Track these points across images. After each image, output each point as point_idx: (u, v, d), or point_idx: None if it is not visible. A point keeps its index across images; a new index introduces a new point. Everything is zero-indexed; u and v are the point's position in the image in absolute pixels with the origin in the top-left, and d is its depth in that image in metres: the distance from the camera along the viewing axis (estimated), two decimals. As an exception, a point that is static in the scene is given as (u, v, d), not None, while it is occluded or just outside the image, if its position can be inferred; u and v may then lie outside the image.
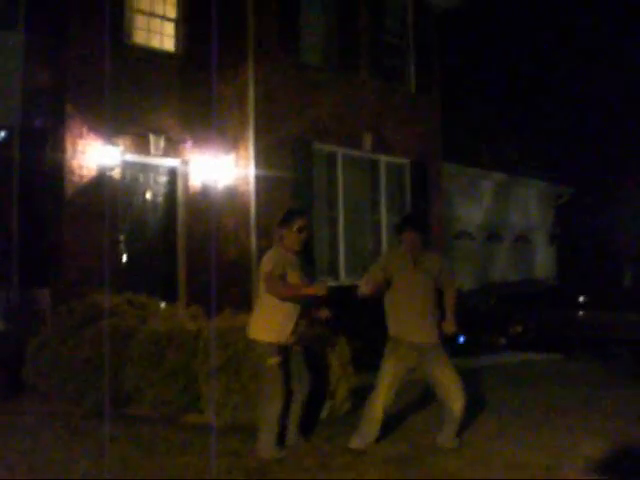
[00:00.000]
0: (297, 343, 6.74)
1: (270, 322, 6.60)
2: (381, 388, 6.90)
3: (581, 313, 14.65)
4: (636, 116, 27.26)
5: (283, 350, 6.59)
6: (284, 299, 6.58)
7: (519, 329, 15.12)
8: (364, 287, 6.97)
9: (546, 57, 29.39)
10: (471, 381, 10.27)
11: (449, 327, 7.10)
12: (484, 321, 15.72)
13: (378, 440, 6.92)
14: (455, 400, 6.86)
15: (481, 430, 7.54)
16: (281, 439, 6.63)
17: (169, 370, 8.01)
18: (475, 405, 8.72)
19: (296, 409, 6.76)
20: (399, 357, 6.92)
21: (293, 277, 6.65)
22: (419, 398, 8.57)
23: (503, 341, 15.20)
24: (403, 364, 6.96)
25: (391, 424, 7.55)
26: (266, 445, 6.46)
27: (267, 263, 6.65)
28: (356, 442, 6.83)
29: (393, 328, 7.01)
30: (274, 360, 6.49)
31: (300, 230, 6.77)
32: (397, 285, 7.00)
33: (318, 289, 6.52)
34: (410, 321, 6.95)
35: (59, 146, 11.89)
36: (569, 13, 30.19)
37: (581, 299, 14.96)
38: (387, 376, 6.91)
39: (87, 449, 6.73)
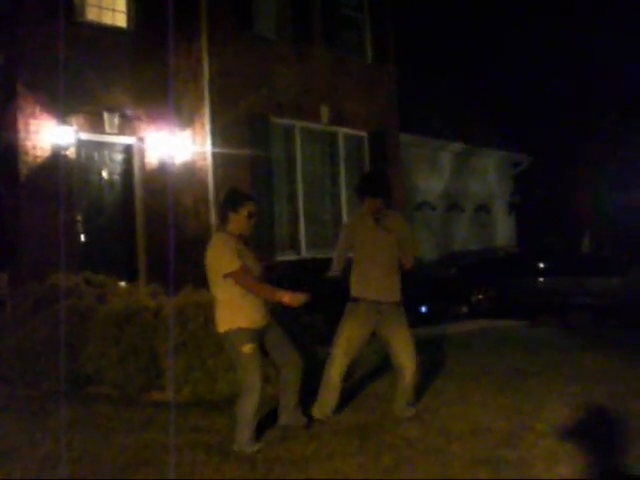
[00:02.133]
0: (269, 323, 6.35)
1: (238, 308, 6.16)
2: (336, 353, 6.86)
3: (541, 280, 14.78)
4: (594, 81, 27.44)
5: (256, 336, 6.18)
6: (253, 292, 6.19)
7: (480, 297, 15.24)
8: (334, 270, 6.95)
9: (503, 22, 29.36)
10: (433, 349, 10.39)
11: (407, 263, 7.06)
12: (446, 290, 15.83)
13: (340, 409, 6.94)
14: (406, 365, 6.84)
15: (442, 396, 7.60)
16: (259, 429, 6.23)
17: (129, 348, 7.95)
18: (437, 371, 8.82)
19: (290, 389, 6.43)
20: (357, 320, 6.85)
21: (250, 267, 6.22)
22: (382, 366, 8.59)
23: (465, 309, 15.32)
24: (361, 329, 6.88)
25: (353, 392, 7.60)
26: (242, 440, 6.05)
27: (229, 258, 6.11)
28: (316, 411, 6.80)
29: (354, 288, 6.93)
30: (249, 346, 6.07)
31: (250, 215, 6.32)
32: (359, 245, 6.96)
33: (295, 299, 6.13)
34: (371, 279, 6.88)
35: (11, 126, 11.71)
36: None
37: (541, 266, 15.09)
38: (343, 340, 6.85)
39: (48, 430, 6.66)
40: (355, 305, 6.91)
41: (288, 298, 6.13)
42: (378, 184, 7.18)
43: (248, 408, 6.06)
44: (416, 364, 6.89)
